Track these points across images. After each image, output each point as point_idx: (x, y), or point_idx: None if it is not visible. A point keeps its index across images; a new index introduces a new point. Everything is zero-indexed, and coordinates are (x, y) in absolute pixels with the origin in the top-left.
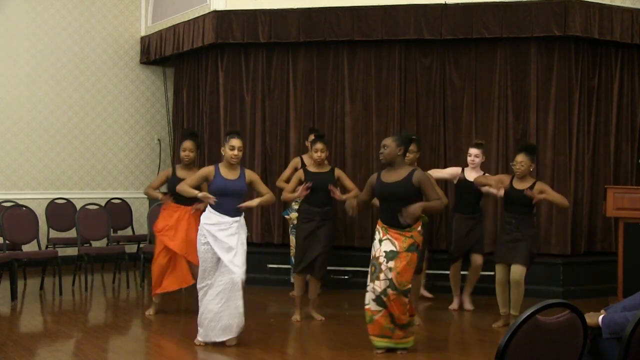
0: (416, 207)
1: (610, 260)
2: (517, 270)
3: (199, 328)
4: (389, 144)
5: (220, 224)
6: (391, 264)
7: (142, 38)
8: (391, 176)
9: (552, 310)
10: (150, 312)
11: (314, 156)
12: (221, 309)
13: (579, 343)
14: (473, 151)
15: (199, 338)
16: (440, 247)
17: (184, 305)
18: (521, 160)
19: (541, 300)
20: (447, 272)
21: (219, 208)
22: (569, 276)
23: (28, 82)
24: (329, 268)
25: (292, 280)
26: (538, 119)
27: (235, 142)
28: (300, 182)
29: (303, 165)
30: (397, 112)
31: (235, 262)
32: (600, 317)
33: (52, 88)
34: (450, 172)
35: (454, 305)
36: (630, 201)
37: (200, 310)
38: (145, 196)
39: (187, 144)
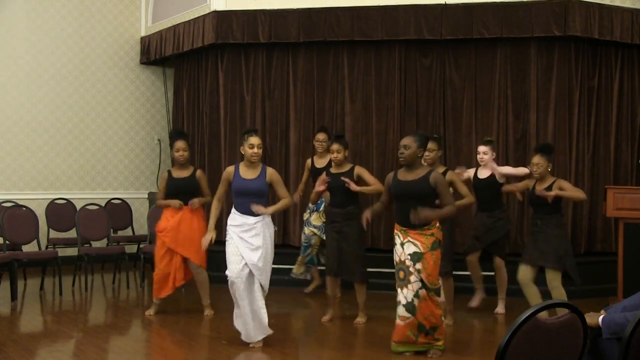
0: (430, 214)
1: (610, 261)
2: (549, 276)
3: (240, 329)
4: (411, 145)
5: (244, 225)
6: (418, 265)
7: (142, 38)
8: (408, 175)
9: (552, 310)
10: (150, 312)
11: (331, 157)
12: (252, 308)
13: (579, 343)
14: (481, 149)
15: (244, 339)
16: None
17: (183, 305)
18: (537, 162)
19: (541, 300)
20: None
21: (240, 208)
22: (569, 276)
23: (28, 82)
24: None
25: (294, 275)
26: (538, 119)
27: (254, 140)
28: (325, 184)
29: (313, 165)
30: (397, 112)
31: (259, 265)
32: (601, 318)
33: (52, 88)
34: (465, 177)
35: (475, 301)
36: (630, 201)
37: (242, 312)
38: (142, 197)
39: (180, 143)
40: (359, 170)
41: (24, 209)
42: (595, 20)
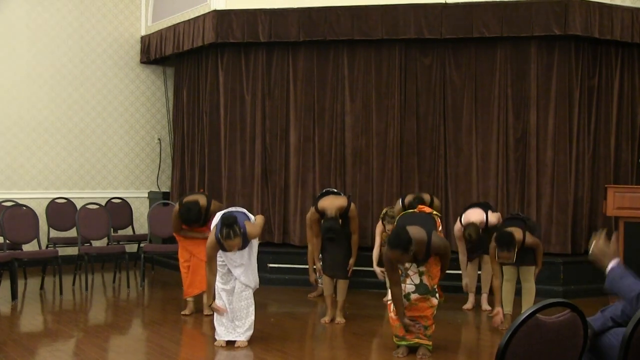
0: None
1: None
2: (526, 272)
3: (217, 327)
4: (402, 258)
5: None
6: (422, 268)
7: (142, 37)
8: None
9: (552, 310)
10: (186, 311)
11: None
12: (238, 308)
13: (579, 342)
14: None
15: (219, 337)
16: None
17: (184, 305)
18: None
19: (542, 299)
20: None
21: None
22: (569, 275)
23: (28, 82)
24: None
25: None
26: (538, 118)
27: (231, 243)
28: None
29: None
30: (397, 111)
31: (242, 280)
32: (610, 266)
33: (52, 87)
34: (457, 233)
35: (468, 305)
36: (631, 200)
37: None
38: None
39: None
40: (352, 214)
41: (24, 208)
42: (595, 20)
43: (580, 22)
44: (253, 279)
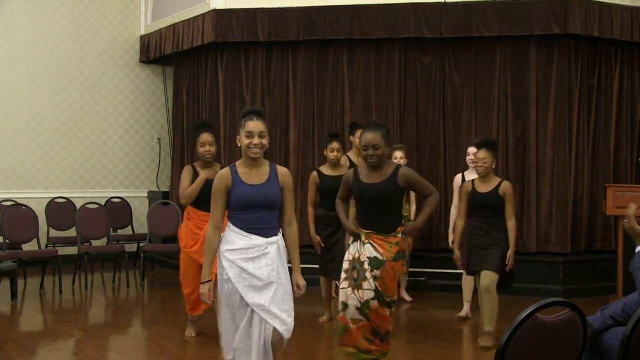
0: (417, 225)
1: (610, 259)
2: (487, 277)
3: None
4: (380, 144)
5: (248, 250)
6: (376, 272)
7: (141, 37)
8: (373, 175)
9: (552, 309)
10: (192, 333)
11: (329, 156)
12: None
13: (579, 342)
14: (471, 150)
15: None
16: (441, 246)
17: (184, 305)
18: (483, 157)
19: (541, 298)
20: (442, 270)
21: (243, 225)
22: (568, 274)
23: (27, 81)
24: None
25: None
26: (538, 117)
27: (254, 125)
28: (317, 187)
29: (352, 164)
30: (397, 110)
31: (273, 311)
32: (638, 249)
33: (51, 87)
34: (456, 187)
35: (463, 312)
36: (630, 199)
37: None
38: (184, 201)
39: (206, 136)
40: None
41: (24, 207)
42: (594, 19)
43: (579, 21)
44: (289, 309)
